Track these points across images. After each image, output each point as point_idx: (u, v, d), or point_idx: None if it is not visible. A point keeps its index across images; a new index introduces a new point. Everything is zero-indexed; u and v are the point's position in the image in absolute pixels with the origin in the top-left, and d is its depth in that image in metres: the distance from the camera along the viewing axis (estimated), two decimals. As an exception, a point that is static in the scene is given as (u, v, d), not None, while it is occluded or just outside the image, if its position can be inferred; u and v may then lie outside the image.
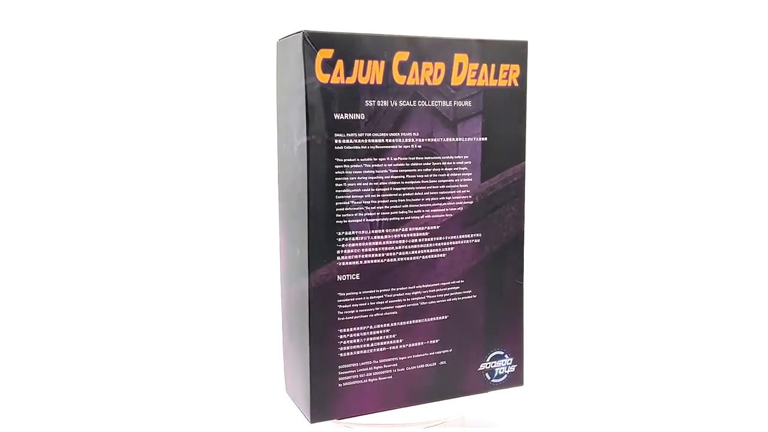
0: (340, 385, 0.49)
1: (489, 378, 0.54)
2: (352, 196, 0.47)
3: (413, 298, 0.50)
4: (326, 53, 0.45)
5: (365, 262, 0.48)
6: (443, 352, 0.52)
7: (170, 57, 0.81)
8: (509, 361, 0.54)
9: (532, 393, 0.58)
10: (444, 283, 0.51)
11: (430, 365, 0.51)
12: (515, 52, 0.51)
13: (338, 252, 0.47)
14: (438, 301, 0.51)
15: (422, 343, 0.51)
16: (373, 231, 0.48)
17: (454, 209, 0.50)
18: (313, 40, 0.45)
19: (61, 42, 0.80)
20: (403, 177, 0.48)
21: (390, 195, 0.48)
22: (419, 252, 0.50)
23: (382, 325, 0.49)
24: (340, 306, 0.48)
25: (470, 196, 0.51)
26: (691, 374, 0.64)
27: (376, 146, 0.47)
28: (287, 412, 0.53)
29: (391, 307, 0.49)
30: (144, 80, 0.81)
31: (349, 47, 0.46)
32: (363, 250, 0.48)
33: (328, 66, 0.45)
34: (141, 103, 0.82)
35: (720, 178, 0.89)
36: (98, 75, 0.81)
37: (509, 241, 0.53)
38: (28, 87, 0.80)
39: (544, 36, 0.79)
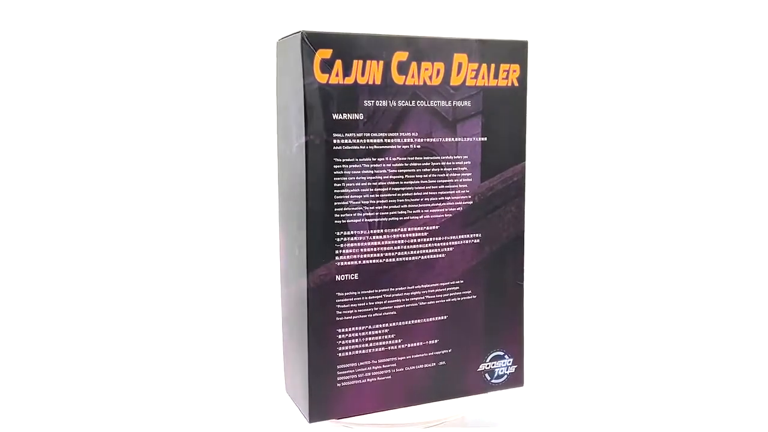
0: (338, 384, 0.49)
1: (489, 378, 0.54)
2: (351, 196, 0.47)
3: (412, 299, 0.50)
4: (325, 53, 0.45)
5: (364, 262, 0.48)
6: (443, 352, 0.51)
7: (170, 57, 0.81)
8: (509, 362, 0.54)
9: (532, 393, 0.58)
10: (443, 284, 0.51)
11: (430, 365, 0.51)
12: (515, 52, 0.51)
13: (337, 252, 0.47)
14: (437, 302, 0.51)
15: (421, 344, 0.51)
16: (371, 231, 0.48)
17: (454, 209, 0.50)
18: (312, 41, 0.45)
19: (61, 42, 0.80)
20: (402, 177, 0.48)
21: (389, 195, 0.48)
22: (418, 252, 0.50)
23: (381, 325, 0.49)
24: (338, 306, 0.48)
25: (470, 196, 0.51)
26: (691, 374, 0.63)
27: (375, 146, 0.47)
28: (287, 412, 0.53)
29: (390, 307, 0.49)
30: (144, 80, 0.81)
31: (347, 47, 0.46)
32: (362, 250, 0.48)
33: (327, 66, 0.45)
34: (141, 103, 0.82)
35: (720, 178, 0.89)
36: (98, 75, 0.81)
37: (509, 242, 0.53)
38: (28, 87, 0.80)
39: (544, 36, 0.79)
